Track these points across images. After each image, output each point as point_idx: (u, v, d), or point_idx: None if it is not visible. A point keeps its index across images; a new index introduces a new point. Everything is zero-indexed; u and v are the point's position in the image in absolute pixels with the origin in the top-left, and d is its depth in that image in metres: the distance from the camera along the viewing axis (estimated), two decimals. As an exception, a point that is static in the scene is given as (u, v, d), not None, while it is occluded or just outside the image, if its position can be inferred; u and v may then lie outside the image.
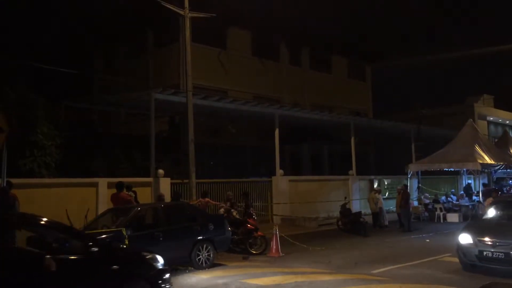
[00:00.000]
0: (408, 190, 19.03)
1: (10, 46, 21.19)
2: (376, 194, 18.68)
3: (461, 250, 10.11)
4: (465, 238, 10.09)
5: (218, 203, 14.74)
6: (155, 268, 6.85)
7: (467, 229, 10.57)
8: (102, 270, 6.20)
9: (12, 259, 5.50)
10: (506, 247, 9.35)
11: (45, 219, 6.45)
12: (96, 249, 6.14)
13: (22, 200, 10.99)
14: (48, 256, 5.55)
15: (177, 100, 16.64)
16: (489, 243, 9.60)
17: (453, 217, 19.90)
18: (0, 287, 5.25)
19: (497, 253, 9.40)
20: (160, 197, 13.37)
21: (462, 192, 22.76)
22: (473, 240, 9.89)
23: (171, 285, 7.12)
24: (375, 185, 21.99)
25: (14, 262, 5.48)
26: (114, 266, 6.29)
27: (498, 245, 9.47)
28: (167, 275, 6.98)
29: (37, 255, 5.64)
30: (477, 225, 11.14)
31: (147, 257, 6.93)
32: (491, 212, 11.26)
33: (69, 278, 5.86)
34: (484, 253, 9.59)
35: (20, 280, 5.37)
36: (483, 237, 9.81)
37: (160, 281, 6.78)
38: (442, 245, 13.42)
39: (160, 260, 7.01)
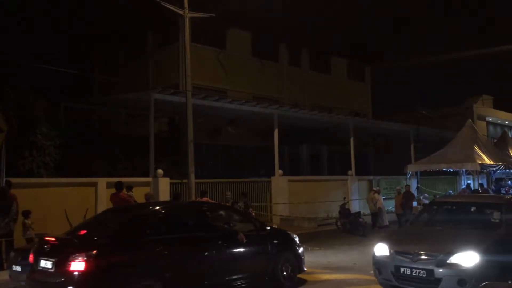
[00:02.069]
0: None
1: (10, 47, 21.21)
2: (375, 195, 18.70)
3: (375, 265, 8.01)
4: (381, 249, 7.91)
5: (216, 203, 14.69)
6: (296, 242, 9.23)
7: (387, 237, 8.65)
8: (269, 243, 8.62)
9: (224, 233, 8.06)
10: (429, 262, 7.15)
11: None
12: (268, 228, 9.08)
13: (21, 200, 10.99)
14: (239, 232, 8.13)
15: (176, 100, 16.65)
16: (408, 256, 7.38)
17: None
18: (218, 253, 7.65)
19: (417, 270, 7.18)
20: (148, 197, 13.36)
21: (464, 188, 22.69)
22: (390, 251, 7.70)
23: (304, 257, 9.29)
24: (374, 186, 21.99)
25: (227, 235, 8.04)
26: (275, 241, 8.74)
27: (419, 259, 7.25)
28: (302, 249, 9.30)
29: (235, 231, 8.17)
30: (400, 232, 9.53)
31: (292, 234, 9.43)
32: (427, 216, 9.26)
33: (251, 247, 8.27)
34: (401, 269, 7.35)
35: (230, 244, 7.95)
36: (401, 248, 7.61)
37: (300, 252, 9.13)
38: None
39: (297, 237, 9.41)
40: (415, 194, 22.44)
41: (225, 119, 21.28)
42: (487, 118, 35.74)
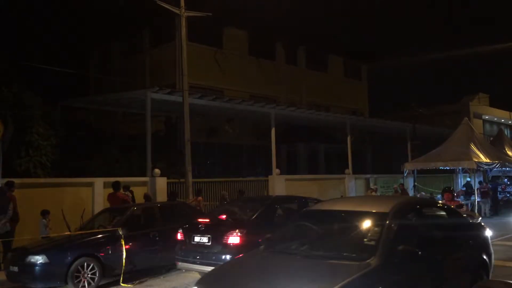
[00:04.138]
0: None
1: (6, 46, 21.12)
2: (373, 193, 18.72)
3: None
4: None
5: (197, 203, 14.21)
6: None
7: (206, 276, 5.75)
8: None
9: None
10: None
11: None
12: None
13: (18, 200, 10.96)
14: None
15: (173, 100, 16.62)
16: None
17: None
18: None
19: None
20: (148, 197, 13.37)
21: (456, 190, 22.76)
22: None
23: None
24: (371, 184, 22.03)
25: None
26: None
27: None
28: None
29: None
30: (226, 267, 6.25)
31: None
32: (284, 235, 6.54)
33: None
34: None
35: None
36: None
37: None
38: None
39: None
40: (411, 192, 22.49)
41: (222, 118, 21.26)
42: (483, 116, 35.83)
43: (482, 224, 7.90)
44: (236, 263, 6.23)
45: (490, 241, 7.57)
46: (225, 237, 8.45)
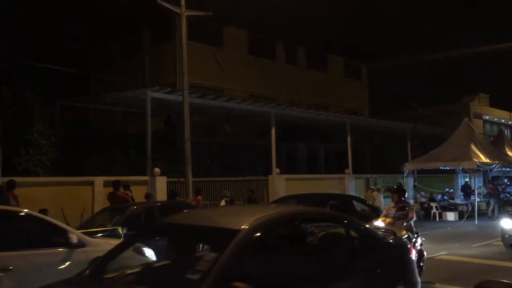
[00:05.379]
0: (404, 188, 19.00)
1: (6, 45, 21.11)
2: (374, 193, 18.67)
3: None
4: None
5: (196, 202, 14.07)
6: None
7: None
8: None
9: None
10: None
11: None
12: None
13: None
14: None
15: (173, 99, 16.62)
16: None
17: (448, 216, 20.16)
18: None
19: None
20: (149, 196, 13.35)
21: (453, 190, 22.82)
22: None
23: None
24: (371, 184, 22.01)
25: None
26: None
27: None
28: None
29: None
30: None
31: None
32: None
33: None
34: None
35: None
36: None
37: None
38: (438, 243, 13.47)
39: None
40: (412, 192, 22.48)
41: (222, 117, 21.25)
42: (483, 116, 35.81)
43: (407, 244, 5.76)
44: None
45: (415, 266, 5.54)
46: None
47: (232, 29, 24.09)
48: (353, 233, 4.95)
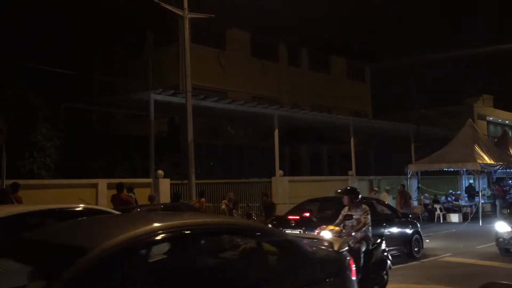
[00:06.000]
0: (407, 190, 18.98)
1: (10, 47, 21.18)
2: (383, 194, 18.59)
3: None
4: None
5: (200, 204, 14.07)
6: (419, 229, 11.89)
7: None
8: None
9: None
10: None
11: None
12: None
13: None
14: None
15: (176, 101, 16.63)
16: None
17: (452, 217, 20.09)
18: None
19: None
20: (152, 198, 13.34)
21: (460, 192, 22.74)
22: None
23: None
24: (375, 186, 21.97)
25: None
26: (410, 225, 12.39)
27: None
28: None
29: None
30: None
31: (418, 223, 12.69)
32: None
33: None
34: None
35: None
36: None
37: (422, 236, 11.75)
38: (443, 245, 13.42)
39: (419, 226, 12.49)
40: (416, 194, 22.42)
41: (225, 119, 21.25)
42: (487, 118, 35.72)
43: (345, 258, 4.72)
44: None
45: (353, 283, 4.64)
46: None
47: (235, 31, 24.10)
48: (270, 248, 4.10)
